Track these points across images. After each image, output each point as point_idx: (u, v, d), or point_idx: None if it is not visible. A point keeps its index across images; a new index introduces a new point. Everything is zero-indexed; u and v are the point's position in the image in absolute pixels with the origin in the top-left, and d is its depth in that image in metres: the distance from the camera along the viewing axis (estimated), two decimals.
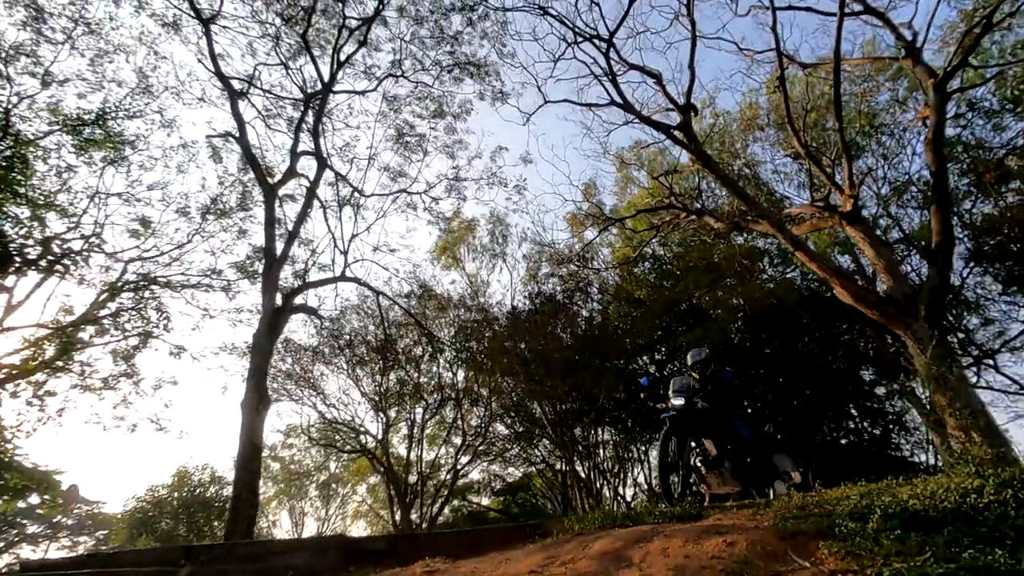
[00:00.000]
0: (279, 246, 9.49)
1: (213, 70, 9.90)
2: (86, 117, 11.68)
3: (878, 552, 2.14)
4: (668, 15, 13.45)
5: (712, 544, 2.68)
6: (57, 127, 11.80)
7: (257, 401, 7.66)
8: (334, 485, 30.83)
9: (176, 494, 25.51)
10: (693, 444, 5.16)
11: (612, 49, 7.43)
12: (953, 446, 5.24)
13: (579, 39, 7.58)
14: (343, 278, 11.83)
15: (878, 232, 10.54)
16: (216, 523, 25.53)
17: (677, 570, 2.42)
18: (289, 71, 11.47)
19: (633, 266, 14.38)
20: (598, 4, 8.36)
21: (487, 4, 10.84)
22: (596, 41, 7.54)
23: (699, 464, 5.06)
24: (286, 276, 10.99)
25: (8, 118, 10.55)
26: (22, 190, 10.51)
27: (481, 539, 5.36)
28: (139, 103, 13.38)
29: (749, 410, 6.06)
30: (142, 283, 13.22)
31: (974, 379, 16.10)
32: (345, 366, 18.46)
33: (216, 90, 11.99)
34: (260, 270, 14.79)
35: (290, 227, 10.82)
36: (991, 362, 15.89)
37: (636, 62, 8.70)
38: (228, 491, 27.21)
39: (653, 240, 14.06)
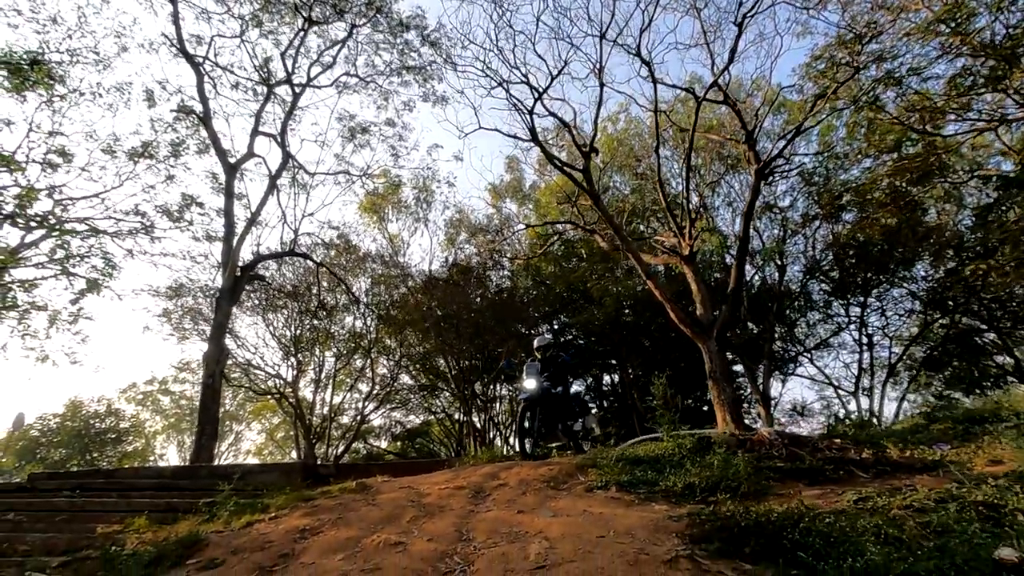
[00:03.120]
0: (240, 226, 10.69)
1: (178, 48, 10.53)
2: (23, 57, 11.68)
3: (613, 473, 4.59)
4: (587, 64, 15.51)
5: (544, 469, 5.07)
6: None
7: (219, 354, 9.21)
8: (229, 423, 31.40)
9: (69, 424, 25.26)
10: (538, 412, 6.72)
11: (539, 103, 9.42)
12: (718, 418, 8.18)
13: (516, 107, 9.44)
14: (293, 253, 13.11)
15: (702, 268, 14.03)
16: (110, 453, 25.74)
17: (523, 480, 4.78)
18: (253, 58, 12.22)
19: (541, 257, 16.64)
20: (526, 73, 9.92)
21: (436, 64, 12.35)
22: (522, 108, 9.47)
23: (540, 427, 6.74)
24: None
25: None
26: None
27: (404, 468, 7.59)
28: (79, 43, 13.37)
29: (576, 383, 8.04)
30: (67, 221, 13.54)
31: (792, 368, 20.80)
32: (258, 310, 19.34)
33: (165, 47, 12.40)
34: (191, 219, 15.54)
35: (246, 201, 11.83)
36: (808, 356, 20.57)
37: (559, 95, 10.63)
38: (123, 424, 27.29)
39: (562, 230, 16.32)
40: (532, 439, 6.72)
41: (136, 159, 15.19)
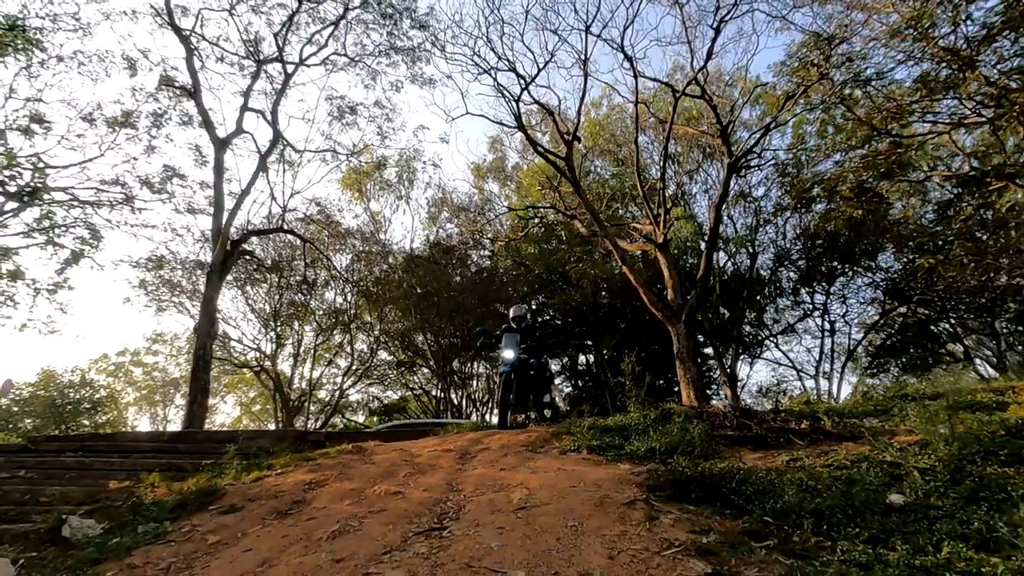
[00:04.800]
0: (227, 202, 10.85)
1: (167, 19, 10.50)
2: (2, 21, 11.48)
3: (585, 439, 5.13)
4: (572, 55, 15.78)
5: (523, 436, 5.60)
6: None
7: (210, 326, 9.52)
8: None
9: (42, 393, 25.06)
10: (513, 383, 6.77)
11: (525, 91, 9.76)
12: (683, 395, 8.83)
13: (502, 94, 9.75)
14: (281, 229, 13.30)
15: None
16: (86, 423, 25.64)
17: (503, 444, 5.30)
18: (243, 33, 12.17)
19: (522, 239, 17.05)
20: (513, 64, 10.16)
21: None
22: (509, 95, 9.80)
23: (514, 398, 6.80)
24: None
25: None
26: None
27: (391, 436, 8.08)
28: (60, 8, 13.14)
29: (546, 354, 7.76)
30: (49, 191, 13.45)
31: (759, 352, 21.77)
32: (238, 283, 19.42)
33: (148, 16, 12.29)
34: (172, 191, 15.52)
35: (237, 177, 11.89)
36: (775, 340, 21.55)
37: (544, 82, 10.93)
38: (98, 395, 27.14)
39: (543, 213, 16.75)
40: (509, 409, 6.85)
41: (116, 128, 15.06)
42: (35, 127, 14.21)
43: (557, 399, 7.63)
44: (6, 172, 12.15)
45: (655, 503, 3.16)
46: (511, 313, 7.49)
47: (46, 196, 13.32)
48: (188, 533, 3.33)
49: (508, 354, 6.86)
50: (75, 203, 13.67)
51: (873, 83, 10.55)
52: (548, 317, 20.16)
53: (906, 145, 12.07)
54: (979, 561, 2.16)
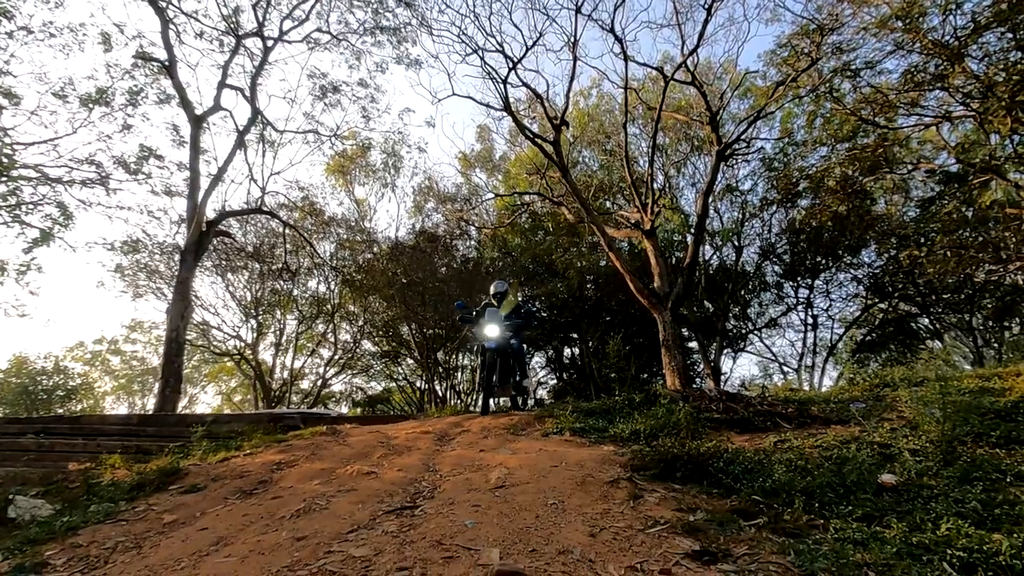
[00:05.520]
0: (204, 181, 10.47)
1: None
2: None
3: (568, 421, 4.99)
4: (561, 37, 15.62)
5: (505, 420, 5.44)
6: None
7: (183, 308, 9.19)
8: (183, 385, 30.81)
9: (14, 380, 24.39)
10: (497, 364, 6.26)
11: (513, 72, 9.54)
12: (668, 382, 8.74)
13: (490, 76, 9.52)
14: (260, 210, 12.94)
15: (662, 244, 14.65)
16: (60, 411, 25.00)
17: (484, 427, 5.14)
18: (221, 6, 11.72)
19: (509, 228, 16.87)
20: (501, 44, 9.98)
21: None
22: (496, 77, 9.58)
23: (496, 382, 6.31)
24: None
25: None
26: None
27: (370, 420, 7.87)
28: None
29: (526, 334, 7.10)
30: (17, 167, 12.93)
31: (742, 345, 21.88)
32: (218, 269, 19.01)
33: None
34: (149, 172, 15.03)
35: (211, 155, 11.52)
36: (758, 334, 21.68)
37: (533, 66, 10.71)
38: (72, 383, 26.48)
39: (531, 202, 16.60)
40: (492, 393, 6.39)
41: (90, 105, 14.53)
42: (2, 100, 13.68)
43: (533, 384, 7.35)
44: None
45: (639, 482, 3.01)
46: (492, 288, 6.94)
47: (13, 172, 12.83)
48: (143, 512, 3.12)
49: (492, 332, 6.25)
50: (44, 181, 13.17)
51: (862, 73, 10.52)
52: (535, 308, 20.02)
53: (892, 139, 12.10)
54: (980, 538, 2.05)
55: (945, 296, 17.33)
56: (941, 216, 11.52)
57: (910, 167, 13.63)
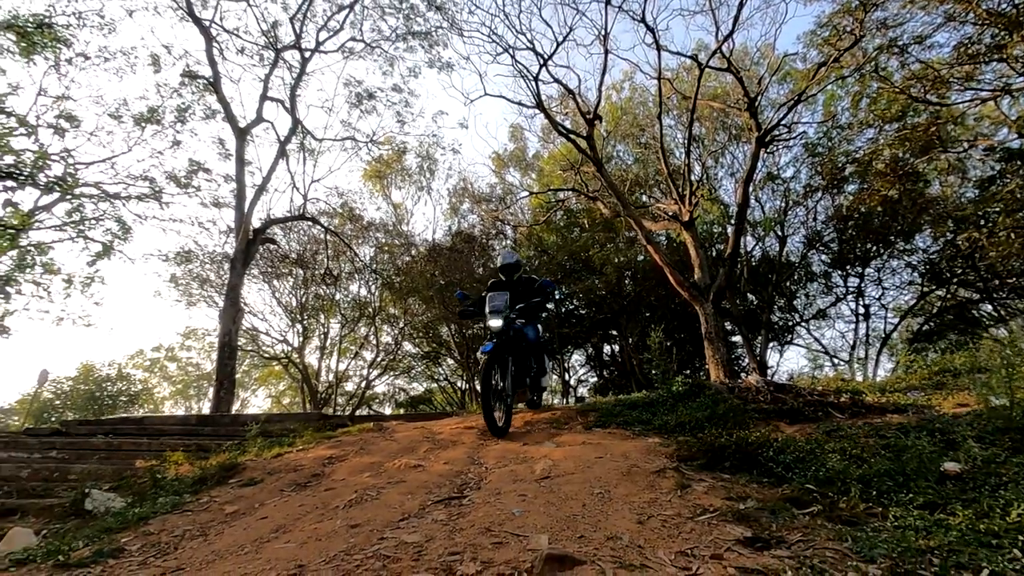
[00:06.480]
0: (249, 192, 10.96)
1: (186, 11, 10.59)
2: (31, 20, 11.76)
3: (611, 415, 4.96)
4: (592, 31, 15.47)
5: (546, 414, 5.46)
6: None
7: (234, 313, 9.65)
8: (235, 389, 32.06)
9: (82, 387, 25.92)
10: (509, 363, 4.84)
11: (544, 69, 9.55)
12: (711, 375, 8.57)
13: (521, 74, 9.56)
14: (303, 217, 13.39)
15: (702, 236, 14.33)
16: (124, 414, 26.44)
17: (527, 422, 5.17)
18: (260, 22, 12.23)
19: (544, 226, 16.89)
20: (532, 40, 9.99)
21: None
22: (527, 74, 9.61)
23: (503, 388, 4.73)
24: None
25: None
26: None
27: (414, 418, 8.01)
28: (84, 6, 13.41)
29: (543, 315, 5.80)
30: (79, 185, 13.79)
31: (789, 338, 21.21)
32: (265, 276, 19.73)
33: (170, 11, 12.45)
34: (198, 185, 15.73)
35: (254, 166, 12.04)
36: (805, 326, 20.95)
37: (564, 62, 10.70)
38: (134, 388, 27.91)
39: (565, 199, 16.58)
40: (504, 403, 4.72)
41: (143, 124, 15.34)
42: (64, 124, 14.59)
43: (552, 380, 6.87)
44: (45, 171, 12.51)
45: (686, 472, 2.98)
46: (499, 260, 5.54)
47: (76, 190, 13.67)
48: (206, 504, 3.29)
49: (494, 321, 4.86)
50: (104, 197, 14.00)
51: (910, 49, 10.04)
52: (572, 307, 19.91)
53: (946, 116, 11.49)
54: None
55: (1010, 281, 16.29)
56: (1003, 195, 10.86)
57: (966, 145, 12.91)
